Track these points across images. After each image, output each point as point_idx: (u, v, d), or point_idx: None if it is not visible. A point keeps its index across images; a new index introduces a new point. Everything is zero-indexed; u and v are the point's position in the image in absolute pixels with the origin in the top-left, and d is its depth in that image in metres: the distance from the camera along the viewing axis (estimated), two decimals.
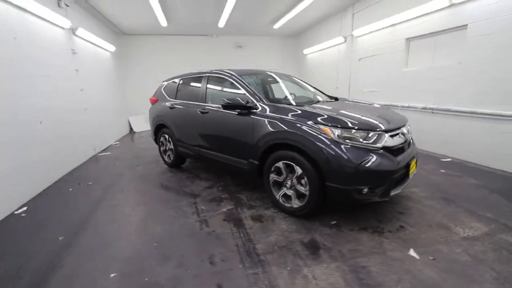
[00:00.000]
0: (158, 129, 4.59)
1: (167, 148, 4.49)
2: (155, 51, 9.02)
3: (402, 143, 2.55)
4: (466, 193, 3.09)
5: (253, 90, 3.06)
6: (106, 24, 7.14)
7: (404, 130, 2.65)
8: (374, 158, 2.24)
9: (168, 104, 4.26)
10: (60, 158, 4.22)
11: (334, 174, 2.25)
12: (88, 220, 2.79)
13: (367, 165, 2.20)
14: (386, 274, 1.85)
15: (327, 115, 2.45)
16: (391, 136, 2.43)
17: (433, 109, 4.66)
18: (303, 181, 2.50)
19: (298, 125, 2.47)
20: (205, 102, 3.61)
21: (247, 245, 2.25)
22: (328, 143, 2.27)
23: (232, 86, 3.30)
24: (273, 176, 2.75)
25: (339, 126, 2.32)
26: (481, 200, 2.89)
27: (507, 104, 3.59)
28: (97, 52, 6.39)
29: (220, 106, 3.29)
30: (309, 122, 2.43)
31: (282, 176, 2.67)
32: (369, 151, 2.26)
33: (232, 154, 3.21)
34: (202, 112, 3.53)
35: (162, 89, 4.64)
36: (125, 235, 2.49)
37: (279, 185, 2.75)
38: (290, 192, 2.64)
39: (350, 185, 2.22)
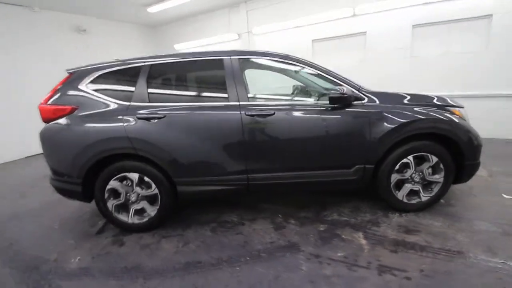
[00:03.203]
0: (96, 167, 2.27)
1: (133, 200, 2.34)
2: None
3: None
4: None
5: (344, 77, 2.35)
6: None
7: None
8: None
9: (138, 113, 2.20)
10: None
11: (473, 152, 2.32)
12: None
13: None
14: None
15: (445, 98, 2.43)
16: None
17: None
18: (430, 170, 2.37)
19: (437, 111, 2.26)
20: (247, 101, 2.25)
21: (467, 259, 1.81)
22: (466, 124, 2.30)
23: (301, 72, 2.36)
24: (396, 176, 2.34)
25: (463, 107, 2.40)
26: None
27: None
28: None
29: (284, 104, 2.38)
30: (438, 107, 2.31)
31: (408, 172, 2.34)
32: None
33: (327, 166, 2.31)
34: (259, 116, 2.19)
35: (86, 87, 2.31)
36: None
37: (396, 184, 2.40)
38: (417, 187, 2.39)
39: (478, 159, 2.40)
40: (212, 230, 2.41)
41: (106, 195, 2.32)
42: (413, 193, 2.42)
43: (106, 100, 2.28)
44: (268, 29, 6.32)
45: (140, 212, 2.40)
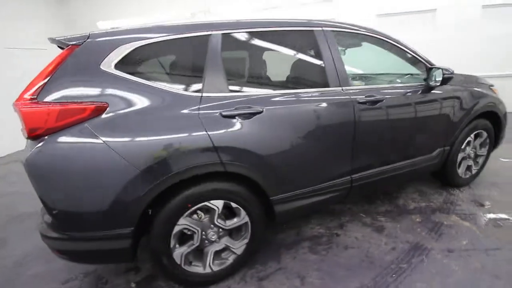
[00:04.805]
0: (161, 195, 1.39)
1: (212, 239, 1.55)
2: None
3: None
4: None
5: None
6: None
7: None
8: None
9: (222, 109, 1.43)
10: None
11: (505, 126, 2.64)
12: None
13: None
14: None
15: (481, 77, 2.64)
16: None
17: None
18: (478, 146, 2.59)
19: (489, 91, 2.43)
20: (349, 85, 1.81)
21: None
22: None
23: (391, 49, 2.12)
24: (462, 155, 2.46)
25: (493, 85, 2.67)
26: None
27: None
28: None
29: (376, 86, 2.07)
30: (489, 86, 2.50)
31: (467, 149, 2.50)
32: None
33: (418, 153, 2.18)
34: (371, 103, 1.79)
35: (114, 68, 1.32)
36: None
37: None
38: (470, 162, 2.58)
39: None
40: (312, 251, 1.91)
41: (172, 242, 1.46)
42: (468, 168, 2.60)
43: (159, 89, 1.38)
44: (232, 9, 5.61)
45: (219, 253, 1.65)
